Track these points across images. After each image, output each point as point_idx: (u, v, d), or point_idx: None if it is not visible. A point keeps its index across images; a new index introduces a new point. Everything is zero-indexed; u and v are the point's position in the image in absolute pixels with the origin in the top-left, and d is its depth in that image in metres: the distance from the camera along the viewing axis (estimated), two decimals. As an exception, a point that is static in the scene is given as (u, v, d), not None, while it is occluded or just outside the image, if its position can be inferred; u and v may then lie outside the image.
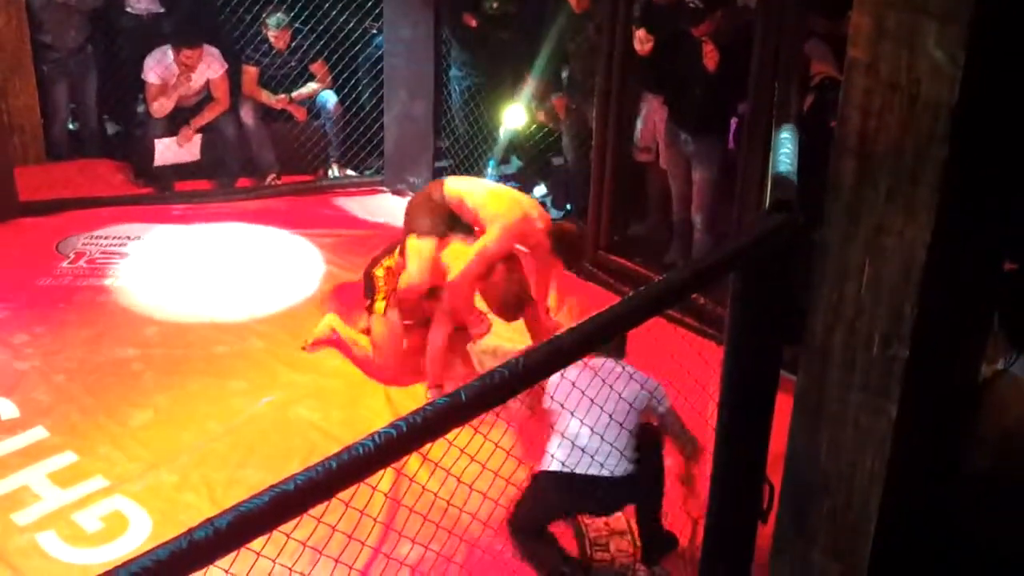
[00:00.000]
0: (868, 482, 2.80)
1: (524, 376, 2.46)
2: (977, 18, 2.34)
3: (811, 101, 5.98)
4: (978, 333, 2.97)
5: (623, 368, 4.76)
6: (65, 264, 7.38)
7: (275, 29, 8.47)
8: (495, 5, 8.06)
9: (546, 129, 8.27)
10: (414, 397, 6.01)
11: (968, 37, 2.35)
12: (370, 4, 8.55)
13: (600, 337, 2.62)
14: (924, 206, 2.53)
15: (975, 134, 2.47)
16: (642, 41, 6.90)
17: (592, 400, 4.38)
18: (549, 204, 8.18)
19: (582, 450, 4.58)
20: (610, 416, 4.60)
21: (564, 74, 7.94)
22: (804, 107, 5.74)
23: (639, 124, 7.47)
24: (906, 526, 2.91)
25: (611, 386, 4.41)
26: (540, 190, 8.39)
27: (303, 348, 6.48)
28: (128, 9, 8.86)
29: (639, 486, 4.87)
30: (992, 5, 2.35)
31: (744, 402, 3.05)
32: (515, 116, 8.10)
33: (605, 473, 4.74)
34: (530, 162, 8.55)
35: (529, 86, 7.95)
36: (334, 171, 8.88)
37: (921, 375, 2.70)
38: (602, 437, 4.59)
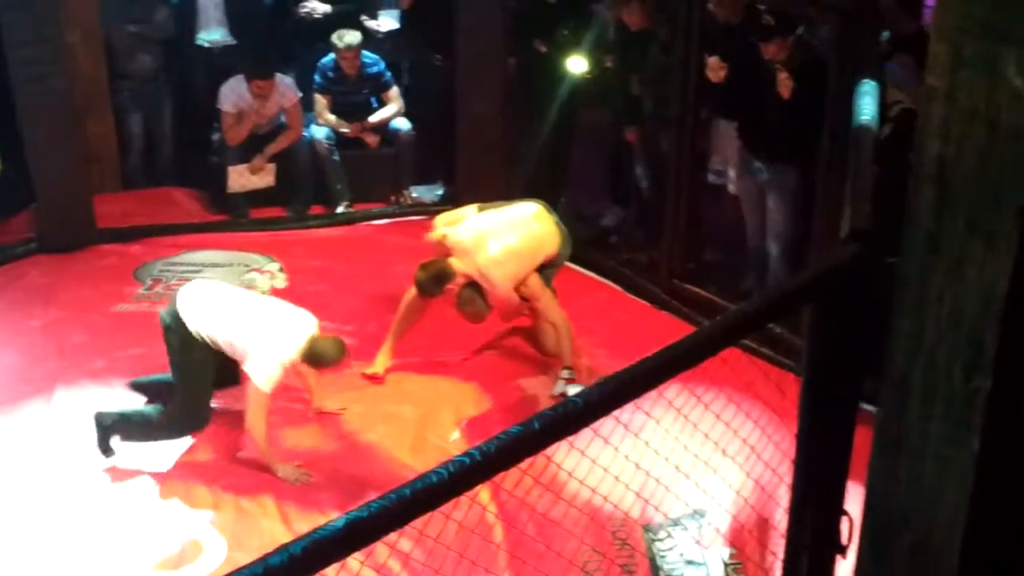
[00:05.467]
0: (950, 516, 2.74)
1: (599, 405, 2.45)
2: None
3: (888, 132, 5.90)
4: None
5: None
6: (142, 291, 7.49)
7: (345, 49, 8.57)
8: (567, 32, 8.03)
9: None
10: (485, 427, 5.98)
11: (1051, 63, 2.32)
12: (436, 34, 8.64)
13: (674, 369, 2.60)
14: (1005, 235, 2.48)
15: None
16: (715, 69, 6.87)
17: None
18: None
19: None
20: None
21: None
22: (880, 136, 5.67)
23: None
24: (994, 562, 2.84)
25: None
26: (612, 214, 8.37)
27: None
28: (198, 42, 9.01)
29: None
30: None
31: (823, 434, 3.01)
32: (577, 65, 7.94)
33: None
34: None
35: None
36: (407, 198, 8.94)
37: (1004, 407, 2.64)
38: None
